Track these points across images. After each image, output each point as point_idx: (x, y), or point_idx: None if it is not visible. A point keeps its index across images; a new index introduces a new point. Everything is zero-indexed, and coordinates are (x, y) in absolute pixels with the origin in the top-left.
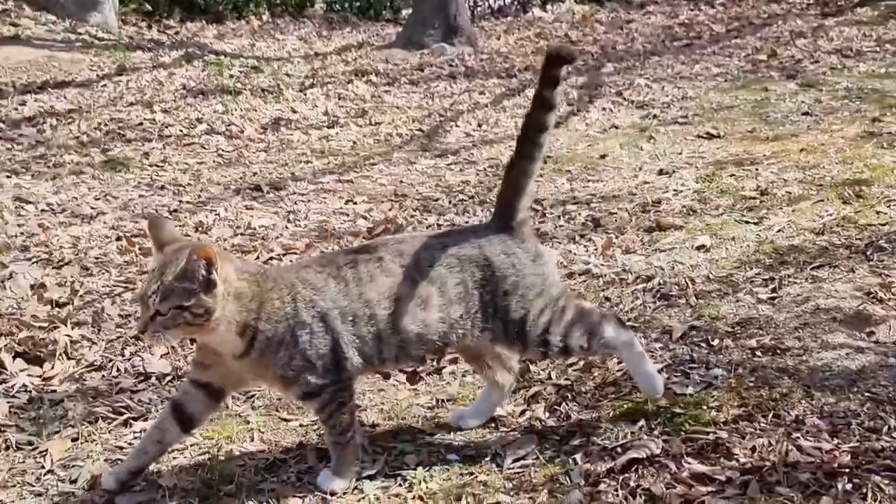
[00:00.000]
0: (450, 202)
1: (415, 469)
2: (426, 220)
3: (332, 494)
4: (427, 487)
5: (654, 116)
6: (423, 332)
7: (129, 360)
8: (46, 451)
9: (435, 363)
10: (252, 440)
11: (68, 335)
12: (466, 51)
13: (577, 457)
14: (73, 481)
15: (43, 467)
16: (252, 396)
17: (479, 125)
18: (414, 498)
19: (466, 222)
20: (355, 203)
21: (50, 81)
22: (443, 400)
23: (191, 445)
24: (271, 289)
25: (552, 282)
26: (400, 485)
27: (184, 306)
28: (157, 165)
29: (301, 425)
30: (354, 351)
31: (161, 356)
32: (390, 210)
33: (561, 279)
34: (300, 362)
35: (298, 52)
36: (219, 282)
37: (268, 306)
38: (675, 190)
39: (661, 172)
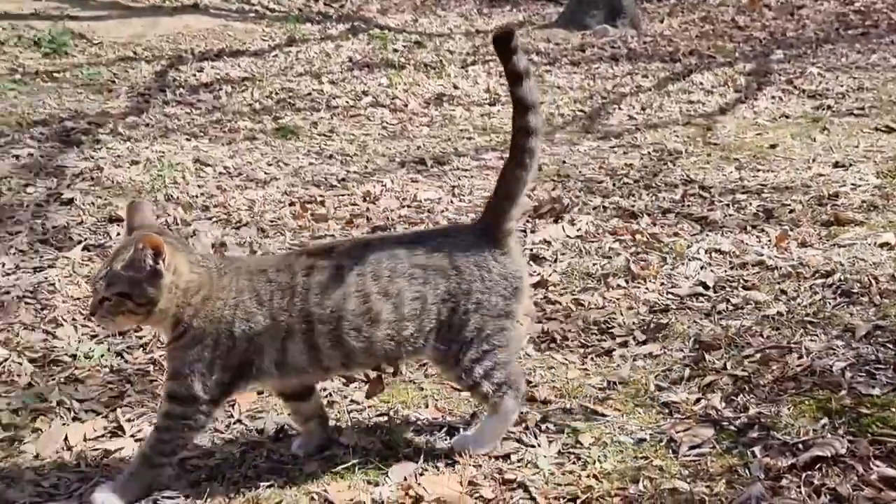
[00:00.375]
0: (614, 185)
1: (589, 448)
2: (591, 201)
3: None
4: (601, 467)
5: (828, 107)
6: (366, 348)
7: None
8: (234, 401)
9: (603, 345)
10: (426, 406)
11: None
12: (629, 33)
13: (756, 449)
14: (260, 431)
15: (231, 416)
16: (424, 365)
17: (643, 109)
18: (588, 476)
19: (632, 206)
20: None
21: (226, 50)
22: (614, 382)
23: (368, 407)
24: (222, 288)
25: (512, 312)
26: (574, 462)
27: (126, 293)
28: (324, 135)
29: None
30: (273, 366)
31: None
32: (553, 190)
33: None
34: (202, 368)
35: (459, 28)
36: (165, 272)
37: (209, 305)
38: (852, 184)
39: (836, 165)
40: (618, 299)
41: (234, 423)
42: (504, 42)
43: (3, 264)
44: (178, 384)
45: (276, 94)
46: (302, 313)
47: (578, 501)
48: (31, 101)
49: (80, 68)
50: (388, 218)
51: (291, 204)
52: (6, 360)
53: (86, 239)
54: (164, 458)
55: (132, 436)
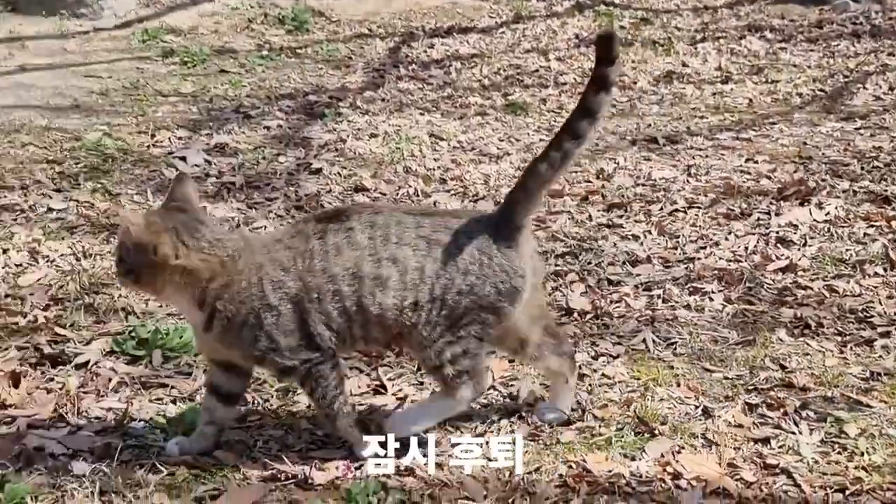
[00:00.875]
0: (862, 168)
1: (855, 439)
2: (838, 185)
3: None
4: (870, 460)
5: None
6: (380, 315)
7: (550, 294)
8: (487, 367)
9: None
10: (678, 385)
11: None
12: (873, 8)
13: None
14: (514, 398)
15: None
16: (674, 343)
17: (891, 89)
18: (857, 468)
19: (884, 191)
20: (756, 162)
21: (455, 27)
22: (878, 373)
23: (619, 382)
24: (241, 271)
25: (500, 308)
26: (839, 453)
27: (125, 262)
28: (554, 111)
29: (726, 378)
30: (324, 328)
31: (581, 294)
32: (795, 172)
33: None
34: (265, 343)
35: (686, 4)
36: (159, 259)
37: (234, 287)
38: None
39: None
40: (875, 287)
41: (489, 389)
42: (606, 44)
43: (265, 227)
44: (271, 364)
45: (504, 70)
46: (326, 273)
47: (847, 492)
48: (277, 75)
49: (319, 44)
50: (623, 196)
51: None
52: None
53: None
54: (334, 407)
55: (394, 394)
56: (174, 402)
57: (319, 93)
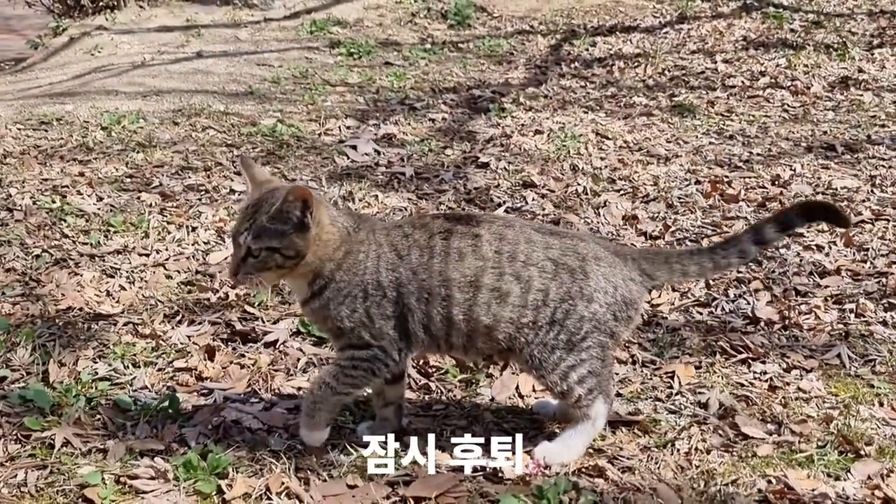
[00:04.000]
0: None
1: None
2: None
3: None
4: None
5: None
6: (492, 327)
7: (733, 301)
8: (673, 373)
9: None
10: (881, 405)
11: None
12: None
13: None
14: (703, 405)
15: (671, 388)
16: (872, 360)
17: None
18: None
19: None
20: None
21: (617, 26)
22: None
23: (815, 397)
24: (361, 241)
25: (617, 333)
26: None
27: (275, 247)
28: (722, 115)
29: None
30: (421, 328)
31: (766, 303)
32: None
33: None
34: (361, 317)
35: (861, 8)
36: (312, 225)
37: (351, 258)
38: None
39: None
40: None
41: (675, 395)
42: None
43: None
44: (348, 337)
45: (669, 70)
46: (442, 276)
47: None
48: (440, 69)
49: (481, 40)
50: None
51: (698, 182)
52: None
53: (505, 202)
54: (346, 389)
55: None
56: None
57: (482, 87)
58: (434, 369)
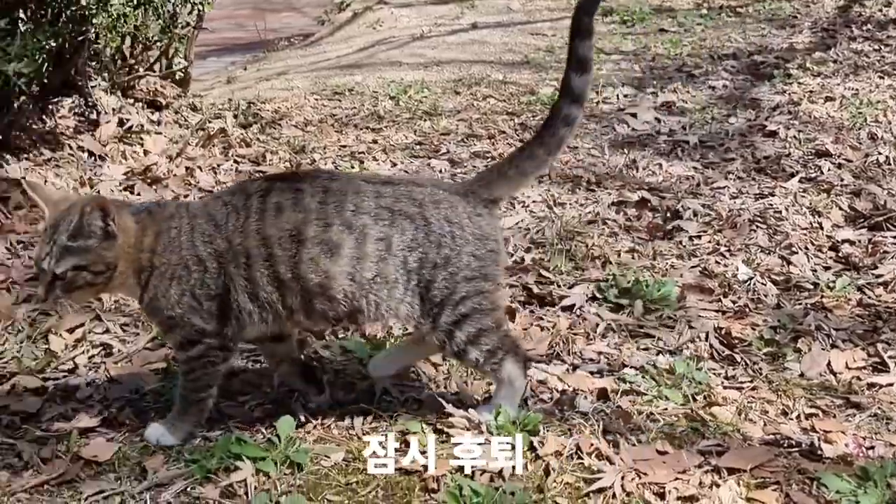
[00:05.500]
0: None
1: None
2: None
3: (159, 446)
4: None
5: None
6: (325, 285)
7: None
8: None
9: None
10: None
11: None
12: None
13: None
14: None
15: None
16: None
17: None
18: None
19: None
20: None
21: None
22: None
23: None
24: (170, 217)
25: (490, 274)
26: None
27: (82, 265)
28: None
29: None
30: (248, 297)
31: None
32: None
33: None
34: (189, 301)
35: None
36: (118, 232)
37: (164, 238)
38: None
39: None
40: None
41: None
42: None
43: (727, 188)
44: (179, 331)
45: None
46: (258, 234)
47: None
48: (717, 34)
49: (761, 3)
50: None
51: None
52: (751, 279)
53: (798, 172)
54: (200, 394)
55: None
56: (660, 353)
57: (764, 53)
58: (737, 340)
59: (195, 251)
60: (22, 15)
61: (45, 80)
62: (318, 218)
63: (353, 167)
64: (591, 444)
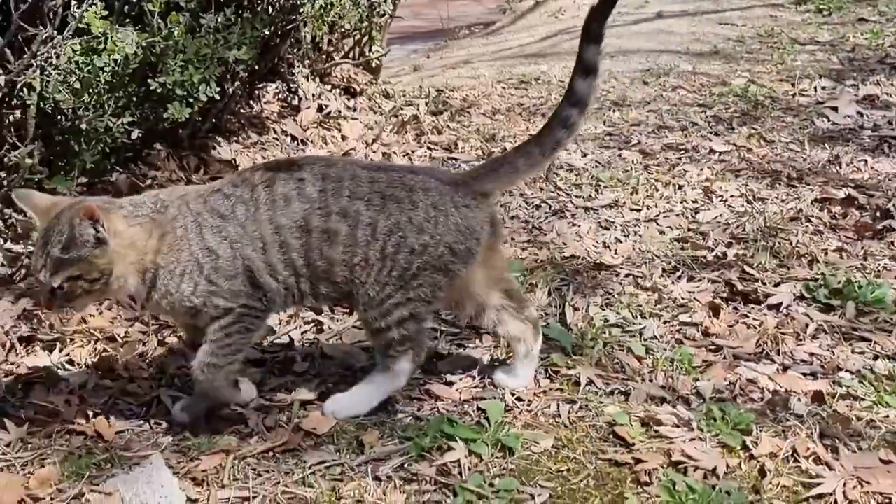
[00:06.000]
0: None
1: None
2: None
3: (182, 427)
4: None
5: None
6: (328, 271)
7: None
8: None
9: None
10: None
11: None
12: None
13: None
14: None
15: None
16: None
17: None
18: None
19: None
20: None
21: None
22: None
23: None
24: (174, 218)
25: (454, 271)
26: None
27: (76, 276)
28: None
29: None
30: (269, 277)
31: None
32: None
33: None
34: (205, 287)
35: None
36: (109, 238)
37: (169, 238)
38: None
39: None
40: None
41: None
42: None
43: None
44: (206, 313)
45: None
46: (272, 223)
47: None
48: None
49: None
50: None
51: None
52: None
53: None
54: (230, 359)
55: None
56: (877, 357)
57: None
58: None
59: (204, 244)
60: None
61: (255, 67)
62: (320, 207)
63: None
64: (808, 448)
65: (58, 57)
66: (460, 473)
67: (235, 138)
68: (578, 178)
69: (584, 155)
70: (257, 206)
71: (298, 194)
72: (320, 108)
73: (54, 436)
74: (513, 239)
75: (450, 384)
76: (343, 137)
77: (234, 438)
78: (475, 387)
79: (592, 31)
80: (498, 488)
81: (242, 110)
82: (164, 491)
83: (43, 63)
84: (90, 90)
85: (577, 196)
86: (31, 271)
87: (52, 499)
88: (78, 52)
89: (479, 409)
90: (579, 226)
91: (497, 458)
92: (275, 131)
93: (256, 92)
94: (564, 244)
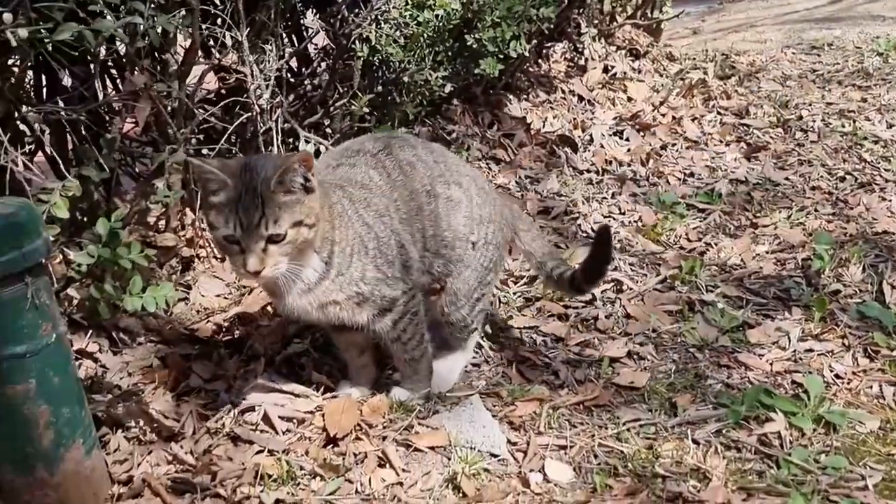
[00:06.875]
0: None
1: None
2: None
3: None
4: None
5: None
6: (449, 244)
7: None
8: None
9: None
10: None
11: None
12: None
13: None
14: None
15: None
16: None
17: None
18: None
19: None
20: None
21: None
22: None
23: None
24: (329, 187)
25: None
26: None
27: (300, 221)
28: None
29: None
30: (414, 249)
31: None
32: None
33: None
34: (373, 273)
35: None
36: (316, 187)
37: (336, 209)
38: None
39: None
40: None
41: None
42: None
43: None
44: (374, 303)
45: None
46: (407, 188)
47: None
48: None
49: None
50: None
51: None
52: None
53: None
54: (422, 347)
55: None
56: None
57: None
58: None
59: (363, 219)
60: None
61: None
62: (440, 174)
63: (843, 126)
64: None
65: (389, 12)
66: (781, 445)
67: (525, 96)
68: (886, 150)
69: (890, 126)
70: (387, 171)
71: (418, 160)
72: (606, 69)
73: None
74: (816, 210)
75: (759, 355)
76: (629, 99)
77: (545, 389)
78: (787, 359)
79: None
80: (824, 465)
81: (531, 69)
82: (486, 431)
83: (378, 16)
84: (415, 44)
85: (885, 169)
86: (227, 239)
87: (384, 427)
88: (408, 7)
89: (793, 382)
90: (890, 200)
91: (820, 434)
92: (562, 91)
93: (545, 51)
94: (875, 219)
